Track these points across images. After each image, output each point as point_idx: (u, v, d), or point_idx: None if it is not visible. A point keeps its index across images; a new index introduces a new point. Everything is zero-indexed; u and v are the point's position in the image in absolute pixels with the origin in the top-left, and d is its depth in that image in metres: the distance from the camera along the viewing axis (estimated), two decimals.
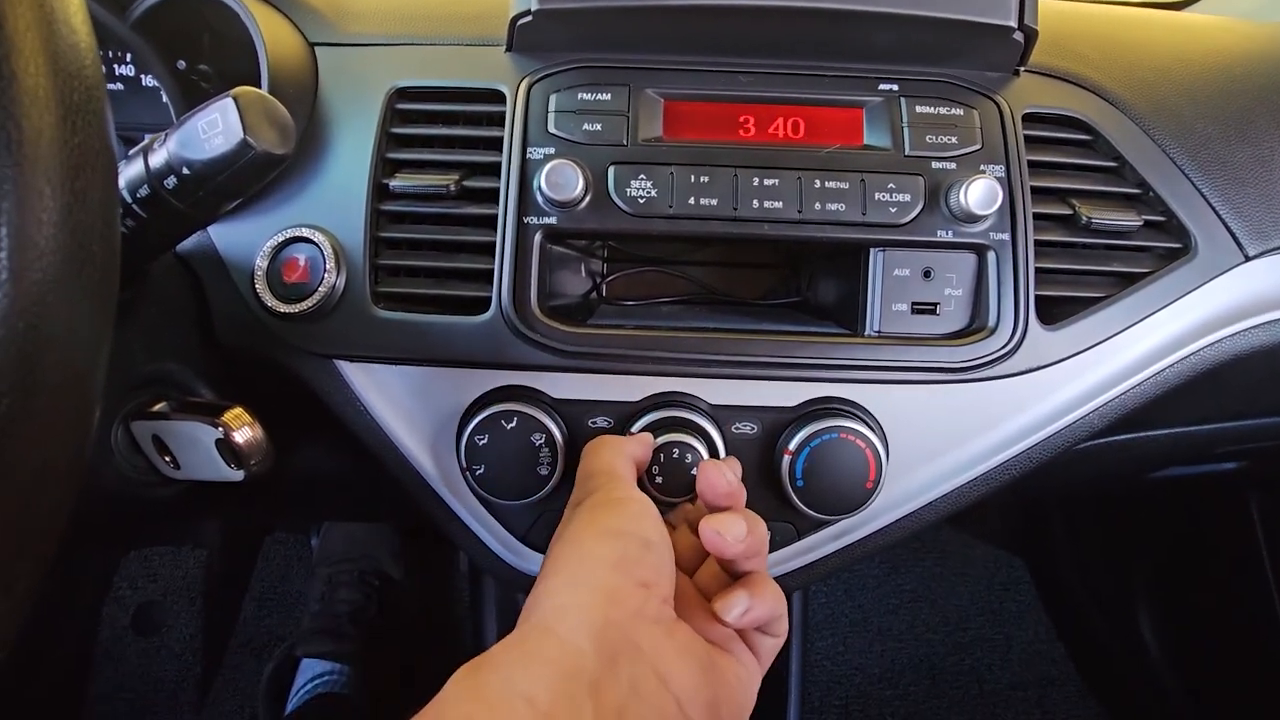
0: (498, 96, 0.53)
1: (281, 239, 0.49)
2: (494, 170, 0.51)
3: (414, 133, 0.52)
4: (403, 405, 0.52)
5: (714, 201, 0.50)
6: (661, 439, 0.48)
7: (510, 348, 0.49)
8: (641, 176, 0.50)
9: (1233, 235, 0.53)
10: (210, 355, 0.52)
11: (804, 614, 0.89)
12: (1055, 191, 0.53)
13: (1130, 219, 0.52)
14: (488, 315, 0.49)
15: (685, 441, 0.48)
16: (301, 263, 0.49)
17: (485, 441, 0.49)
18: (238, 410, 0.46)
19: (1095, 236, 0.52)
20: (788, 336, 0.50)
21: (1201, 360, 0.54)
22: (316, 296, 0.49)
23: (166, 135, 0.35)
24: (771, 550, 0.53)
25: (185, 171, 0.35)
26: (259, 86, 0.49)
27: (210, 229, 0.51)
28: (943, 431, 0.52)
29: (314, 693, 0.99)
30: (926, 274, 0.51)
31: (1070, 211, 0.52)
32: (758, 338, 0.50)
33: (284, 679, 1.03)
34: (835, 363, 0.49)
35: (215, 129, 0.34)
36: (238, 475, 0.46)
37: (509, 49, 0.54)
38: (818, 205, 0.50)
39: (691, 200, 0.50)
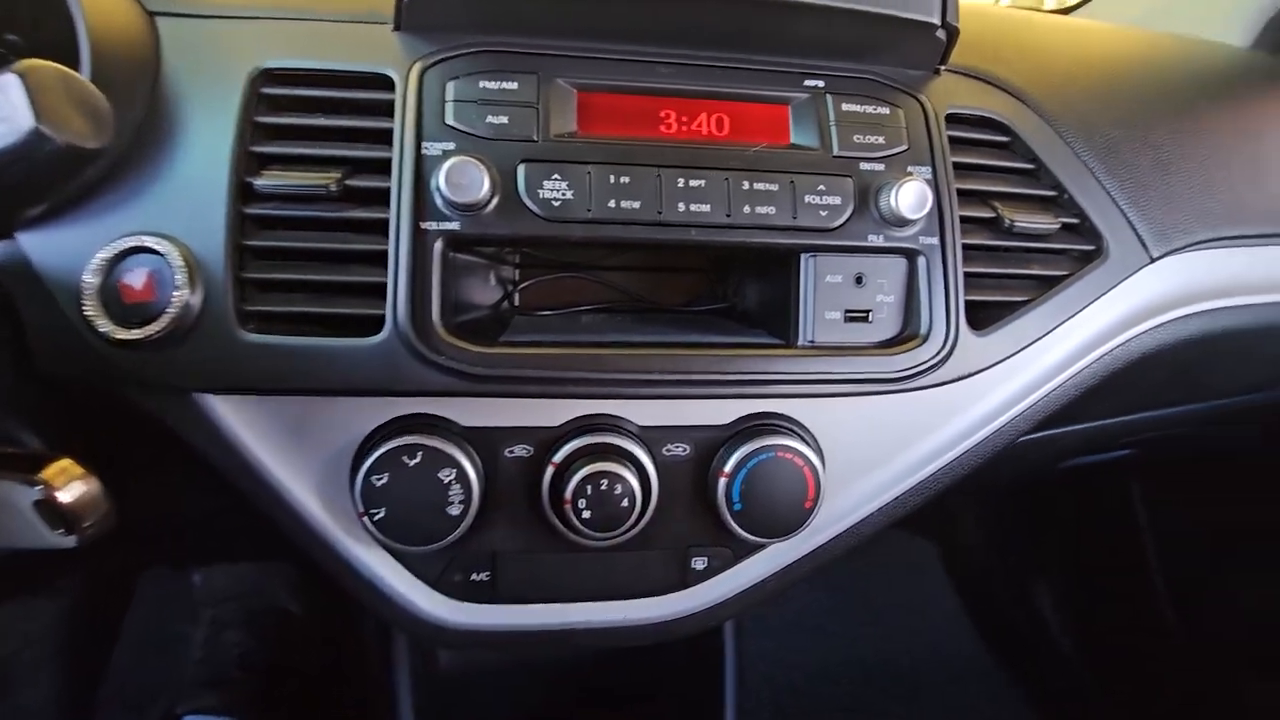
0: (384, 82, 0.46)
1: (117, 250, 0.41)
2: (383, 167, 0.44)
3: (285, 122, 0.45)
4: (283, 443, 0.44)
5: (636, 204, 0.45)
6: (588, 469, 0.44)
7: (410, 373, 0.43)
8: (555, 176, 0.45)
9: (1139, 237, 0.54)
10: (32, 393, 0.43)
11: (736, 619, 0.87)
12: (977, 194, 0.52)
13: (1048, 221, 0.52)
14: (382, 336, 0.42)
15: (614, 471, 0.44)
16: (144, 278, 0.41)
17: (385, 481, 0.43)
18: (64, 463, 0.38)
19: (1016, 239, 0.52)
20: (720, 350, 0.47)
21: (1114, 360, 0.55)
22: (166, 319, 0.40)
23: None
24: (708, 576, 0.50)
25: None
26: (79, 62, 0.40)
27: (19, 237, 0.41)
28: (878, 442, 0.50)
29: None
30: (858, 280, 0.49)
31: (993, 214, 0.51)
32: (689, 353, 0.46)
33: None
34: (770, 377, 0.46)
35: None
36: (68, 542, 0.38)
37: (397, 27, 0.47)
38: (747, 208, 0.46)
39: (612, 203, 0.45)
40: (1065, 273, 0.53)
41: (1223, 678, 0.99)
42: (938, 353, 0.48)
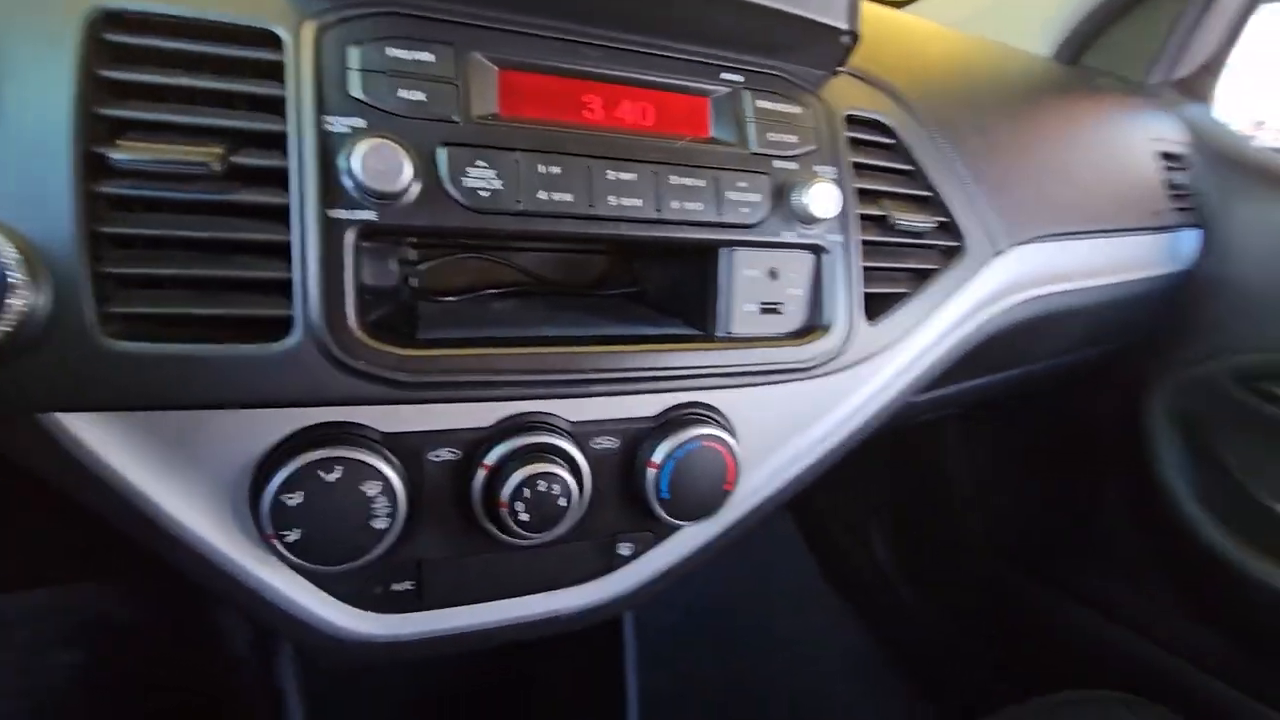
0: (266, 39, 0.39)
1: None
2: (274, 142, 0.38)
3: (140, 80, 0.37)
4: (166, 464, 0.38)
5: (569, 197, 0.43)
6: (526, 471, 0.43)
7: (327, 381, 0.38)
8: (481, 163, 0.41)
9: (989, 234, 0.62)
10: None
11: None
12: (869, 193, 0.56)
13: (925, 220, 0.58)
14: (293, 341, 0.37)
15: (551, 472, 0.43)
16: None
17: (300, 500, 0.39)
18: None
19: (900, 236, 0.57)
20: (648, 345, 0.47)
21: (968, 341, 0.63)
22: (1, 327, 0.32)
23: None
24: (632, 560, 0.52)
25: None
26: None
27: None
28: (783, 425, 0.54)
29: None
30: (772, 274, 0.51)
31: (882, 213, 0.56)
32: (620, 349, 0.46)
33: None
34: (696, 371, 0.48)
35: None
36: None
37: None
38: (675, 204, 0.46)
39: (543, 194, 0.43)
40: (935, 266, 0.59)
41: (1013, 581, 1.21)
42: (840, 342, 0.52)
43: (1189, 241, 0.88)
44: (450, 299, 0.54)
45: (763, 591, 1.46)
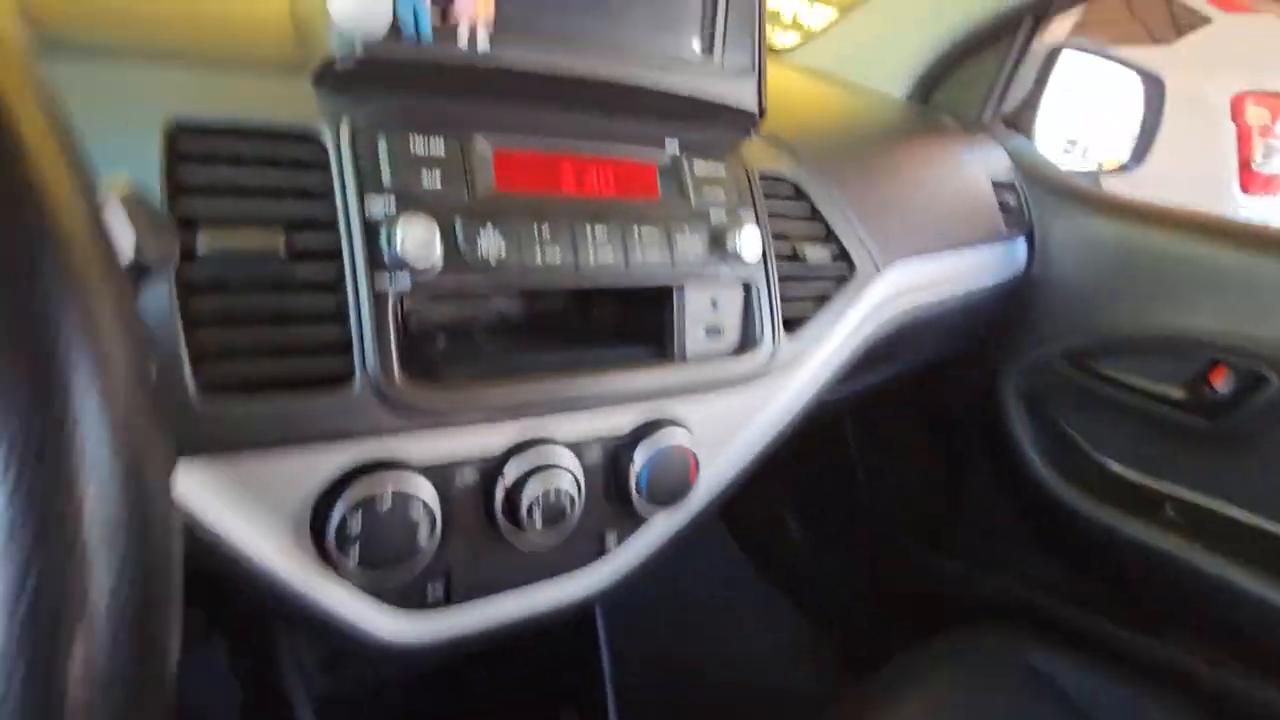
0: (308, 137, 0.47)
1: None
2: (326, 226, 0.46)
3: (211, 181, 0.44)
4: (244, 500, 0.45)
5: (557, 256, 0.54)
6: (539, 487, 0.53)
7: (380, 418, 0.47)
8: (490, 233, 0.51)
9: (872, 258, 0.79)
10: None
11: None
12: (780, 234, 0.70)
13: (824, 252, 0.73)
14: (355, 388, 0.46)
15: (558, 486, 0.53)
16: None
17: (360, 527, 0.47)
18: None
19: (806, 267, 0.72)
20: (627, 366, 0.58)
21: (861, 345, 0.79)
22: None
23: None
24: (619, 544, 0.63)
25: None
26: None
27: None
28: (730, 427, 0.67)
29: None
30: (714, 304, 0.64)
31: (791, 250, 0.70)
32: (604, 374, 0.57)
33: None
34: (664, 388, 0.60)
35: None
36: None
37: (317, 84, 0.48)
38: (639, 255, 0.58)
39: (538, 256, 0.53)
40: (832, 288, 0.74)
41: (900, 546, 1.42)
42: (768, 356, 0.66)
43: (1020, 251, 1.10)
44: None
45: (693, 573, 1.60)
